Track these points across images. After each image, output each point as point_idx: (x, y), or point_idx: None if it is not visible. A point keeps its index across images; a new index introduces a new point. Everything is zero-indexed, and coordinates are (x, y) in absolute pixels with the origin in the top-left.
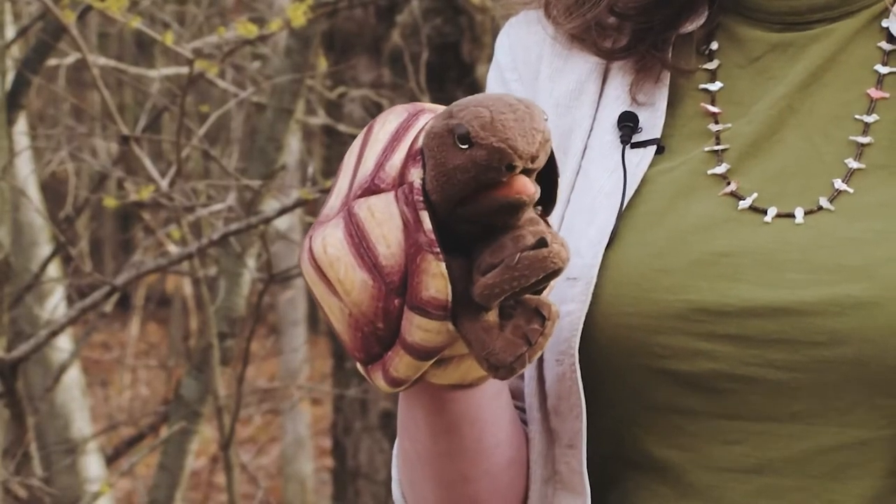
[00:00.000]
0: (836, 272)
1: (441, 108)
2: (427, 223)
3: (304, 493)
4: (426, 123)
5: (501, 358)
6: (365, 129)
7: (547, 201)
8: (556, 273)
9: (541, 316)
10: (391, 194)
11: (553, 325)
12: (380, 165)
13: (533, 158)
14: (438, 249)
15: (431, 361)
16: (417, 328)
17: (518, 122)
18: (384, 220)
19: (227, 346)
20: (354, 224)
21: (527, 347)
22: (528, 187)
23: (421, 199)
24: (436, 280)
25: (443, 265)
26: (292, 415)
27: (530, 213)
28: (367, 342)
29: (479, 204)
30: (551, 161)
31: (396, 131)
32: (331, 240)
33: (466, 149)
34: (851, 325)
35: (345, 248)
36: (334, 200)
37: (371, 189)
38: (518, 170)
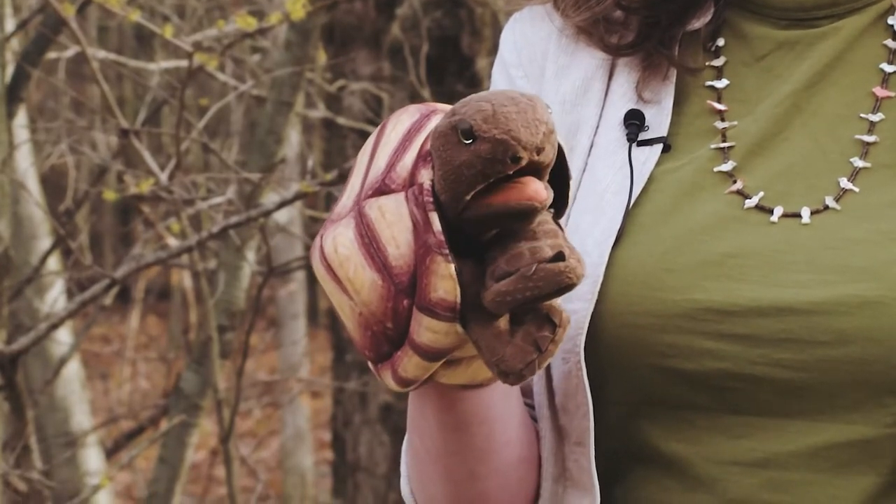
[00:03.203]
0: (843, 272)
1: None
2: (436, 224)
3: (304, 487)
4: None
5: (511, 365)
6: (378, 127)
7: (559, 202)
8: (569, 288)
9: (552, 323)
10: (401, 195)
11: (564, 331)
12: (391, 166)
13: (538, 150)
14: (447, 251)
15: (440, 362)
16: (426, 329)
17: (520, 113)
18: (394, 221)
19: (227, 339)
20: (365, 224)
21: (537, 354)
22: (541, 192)
23: (430, 199)
24: (444, 281)
25: (451, 266)
26: (292, 408)
27: (546, 220)
28: (376, 341)
29: (491, 208)
30: (563, 162)
31: (408, 131)
32: (341, 239)
33: (470, 143)
34: (857, 325)
35: (355, 247)
36: (346, 199)
37: (382, 189)
38: (524, 161)
